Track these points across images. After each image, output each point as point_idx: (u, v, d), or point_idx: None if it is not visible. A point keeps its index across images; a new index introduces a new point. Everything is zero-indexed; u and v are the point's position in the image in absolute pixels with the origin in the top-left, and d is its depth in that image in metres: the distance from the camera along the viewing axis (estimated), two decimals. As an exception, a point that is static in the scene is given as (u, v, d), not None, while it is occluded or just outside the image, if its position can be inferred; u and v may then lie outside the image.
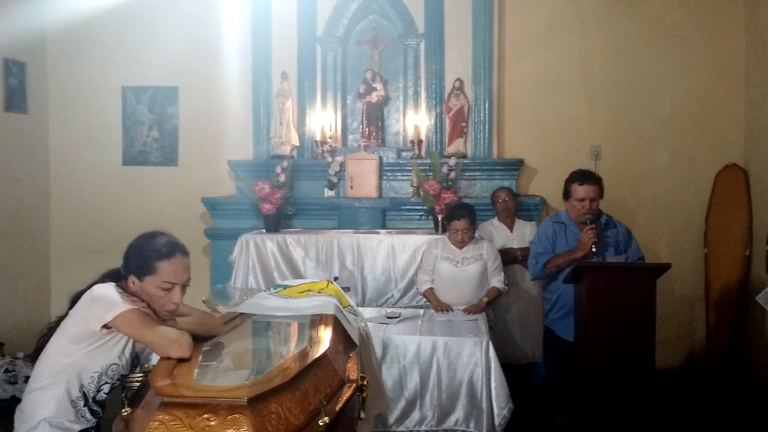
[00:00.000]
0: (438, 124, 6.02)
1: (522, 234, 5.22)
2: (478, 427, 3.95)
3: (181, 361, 2.17)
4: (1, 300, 5.77)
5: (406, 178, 5.94)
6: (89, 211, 6.43)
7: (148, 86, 6.41)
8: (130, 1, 6.17)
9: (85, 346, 2.25)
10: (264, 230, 5.63)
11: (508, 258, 5.06)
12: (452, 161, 5.64)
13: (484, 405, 3.95)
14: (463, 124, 5.90)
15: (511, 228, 5.29)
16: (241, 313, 2.93)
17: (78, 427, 2.28)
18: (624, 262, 4.06)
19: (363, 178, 5.80)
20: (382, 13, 6.19)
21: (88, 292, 2.30)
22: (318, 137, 6.02)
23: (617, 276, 3.82)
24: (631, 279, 3.81)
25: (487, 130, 5.93)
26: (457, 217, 4.75)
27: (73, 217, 6.45)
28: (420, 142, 5.94)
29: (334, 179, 5.91)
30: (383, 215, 5.84)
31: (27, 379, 3.83)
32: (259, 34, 6.14)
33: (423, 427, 4.03)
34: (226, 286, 5.36)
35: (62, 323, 2.32)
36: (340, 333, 2.83)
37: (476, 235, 4.93)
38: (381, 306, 5.15)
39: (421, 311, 4.74)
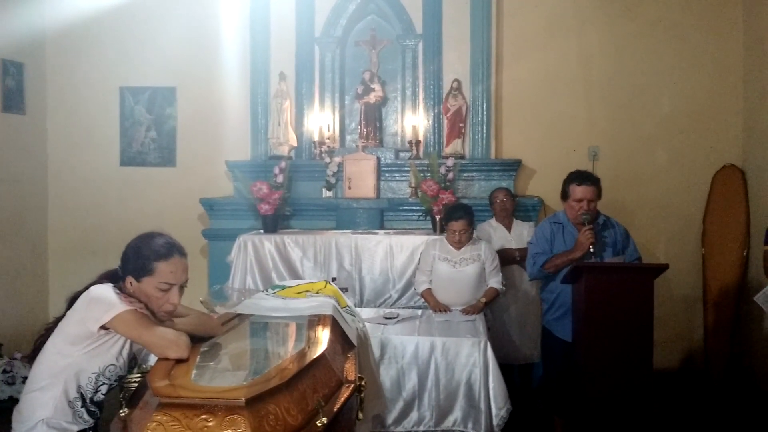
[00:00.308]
0: (436, 125, 6.03)
1: (520, 234, 5.22)
2: (477, 428, 3.95)
3: (178, 361, 2.17)
4: (-1, 301, 5.77)
5: (404, 178, 5.94)
6: (87, 212, 6.43)
7: (146, 87, 6.41)
8: (129, 2, 6.18)
9: (83, 347, 2.24)
10: (262, 231, 5.63)
11: (506, 258, 5.06)
12: (450, 162, 5.64)
13: (482, 405, 3.95)
14: (461, 124, 5.91)
15: (509, 228, 5.29)
16: (239, 314, 2.93)
17: (76, 428, 2.27)
18: (622, 262, 4.07)
19: (361, 179, 5.80)
20: (380, 14, 6.20)
21: (85, 293, 2.30)
22: (316, 138, 6.03)
23: (615, 276, 3.82)
24: (629, 279, 3.81)
25: (485, 131, 5.94)
26: (454, 218, 4.75)
27: (71, 218, 6.45)
28: (418, 142, 5.95)
29: (332, 180, 5.91)
30: (381, 216, 5.84)
31: (25, 379, 3.83)
32: (258, 34, 6.14)
33: (421, 428, 4.02)
34: (223, 287, 5.37)
35: (60, 324, 2.32)
36: (338, 333, 2.83)
37: (474, 235, 4.93)
38: (379, 306, 5.15)
39: (419, 312, 4.74)
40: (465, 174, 5.85)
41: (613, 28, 5.98)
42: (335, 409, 2.27)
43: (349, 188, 5.81)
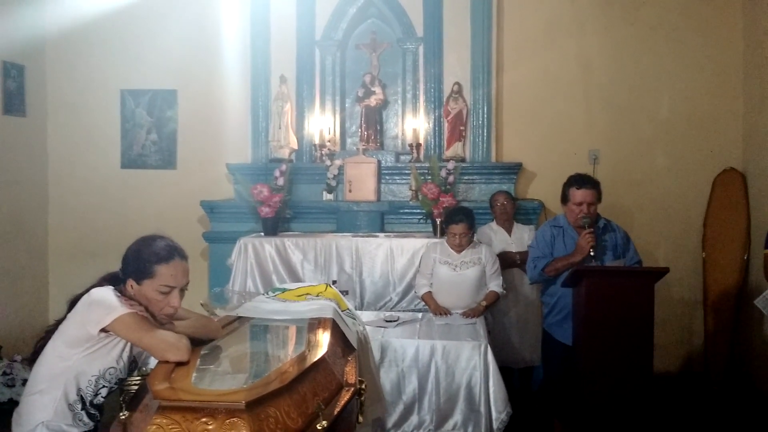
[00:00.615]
0: (436, 128, 6.03)
1: (520, 238, 5.22)
2: (477, 431, 3.95)
3: (179, 364, 2.17)
4: (-2, 303, 5.77)
5: (404, 181, 5.94)
6: (87, 214, 6.43)
7: (147, 89, 6.41)
8: (129, 5, 6.19)
9: (83, 349, 2.24)
10: (262, 233, 5.63)
11: (507, 262, 5.06)
12: (451, 165, 5.65)
13: (483, 409, 3.95)
14: (462, 127, 5.91)
15: (509, 232, 5.29)
16: (240, 317, 2.93)
17: (76, 431, 2.27)
18: (622, 266, 4.07)
19: (361, 182, 5.80)
20: (380, 17, 6.21)
21: (86, 296, 2.30)
22: (317, 141, 6.03)
23: (615, 280, 3.82)
24: (630, 283, 3.81)
25: (485, 134, 5.94)
26: (455, 221, 4.75)
27: (71, 220, 6.45)
28: (419, 145, 5.95)
29: (333, 183, 5.91)
30: (382, 219, 5.84)
31: (24, 382, 3.83)
32: (258, 37, 6.15)
33: (421, 431, 4.02)
34: (224, 290, 5.37)
35: (60, 327, 2.32)
36: (339, 337, 2.83)
37: (475, 239, 4.93)
38: (379, 309, 5.15)
39: (420, 315, 4.75)
40: (465, 177, 5.85)
41: (612, 31, 5.98)
42: (335, 413, 2.27)
43: (350, 191, 5.81)
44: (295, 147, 6.10)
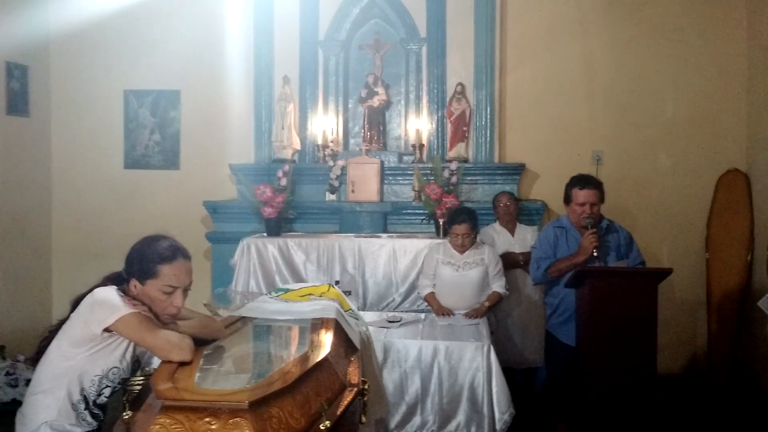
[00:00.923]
0: (439, 129, 6.03)
1: (523, 238, 5.22)
2: (479, 432, 3.95)
3: (182, 364, 2.17)
4: (2, 303, 5.77)
5: (407, 182, 5.94)
6: (91, 215, 6.44)
7: (151, 90, 6.42)
8: (133, 5, 6.20)
9: (86, 349, 2.25)
10: (265, 234, 5.63)
11: (510, 262, 5.05)
12: (454, 165, 5.65)
13: (485, 410, 3.94)
14: (465, 128, 5.91)
15: (512, 232, 5.28)
16: (243, 317, 2.93)
17: (79, 431, 2.28)
18: (625, 266, 4.06)
19: (364, 182, 5.80)
20: (384, 18, 6.21)
21: (89, 296, 2.30)
22: (320, 141, 6.03)
23: (619, 281, 3.82)
24: (633, 284, 3.81)
25: (488, 135, 5.94)
26: (458, 222, 4.75)
27: (74, 221, 6.46)
28: (421, 146, 5.95)
29: (336, 183, 5.91)
30: (384, 219, 5.84)
31: (28, 382, 3.83)
32: (262, 38, 6.15)
33: (424, 432, 4.03)
34: (227, 290, 5.35)
35: (64, 326, 2.32)
36: (341, 337, 2.83)
37: (477, 239, 4.92)
38: (382, 310, 5.15)
39: (423, 315, 4.74)
40: (468, 178, 5.85)
41: (615, 32, 5.98)
42: (338, 413, 2.27)
43: (353, 192, 5.81)
44: (298, 147, 6.10)
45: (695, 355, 5.97)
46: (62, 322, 2.35)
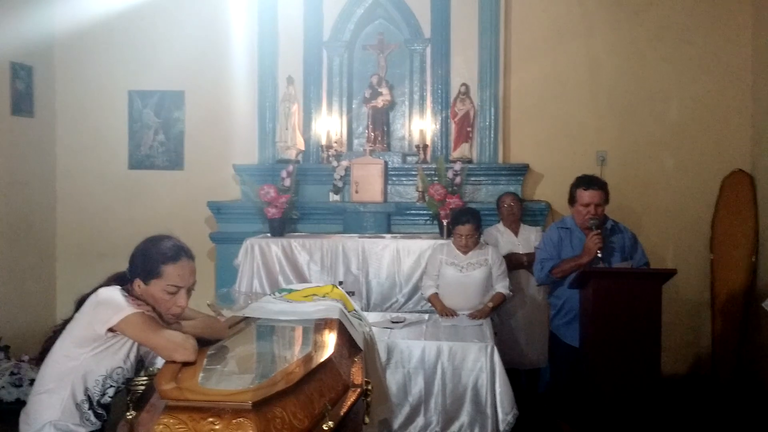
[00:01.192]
0: (443, 129, 6.02)
1: (527, 239, 5.21)
2: (483, 433, 3.94)
3: (186, 364, 2.17)
4: (6, 303, 5.79)
5: (411, 182, 5.94)
6: (95, 215, 6.45)
7: (155, 90, 6.43)
8: (138, 6, 6.20)
9: (90, 349, 2.25)
10: (269, 234, 5.64)
11: (514, 263, 5.05)
12: (457, 166, 5.64)
13: (489, 410, 3.94)
14: (469, 128, 5.90)
15: (516, 233, 5.28)
16: (246, 317, 2.94)
17: (83, 430, 2.28)
18: (630, 267, 4.05)
19: (368, 183, 5.80)
20: (388, 18, 6.20)
21: (93, 296, 2.30)
22: (323, 142, 6.03)
23: (623, 281, 3.82)
24: (637, 285, 3.80)
25: (492, 135, 5.93)
26: (461, 222, 4.75)
27: (79, 221, 6.47)
28: (425, 146, 5.94)
29: (340, 184, 5.90)
30: (388, 220, 5.84)
31: (32, 382, 3.84)
32: (266, 38, 6.15)
33: (427, 432, 4.02)
34: (230, 290, 5.39)
35: (68, 326, 2.32)
36: (345, 337, 2.83)
37: (481, 240, 4.92)
38: (386, 311, 5.15)
39: (426, 316, 4.74)
40: (472, 178, 5.84)
41: (620, 32, 5.97)
42: (342, 413, 2.27)
43: (357, 192, 5.81)
44: (302, 148, 6.11)
45: (700, 356, 5.96)
46: (66, 321, 2.36)
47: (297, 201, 5.80)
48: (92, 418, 2.30)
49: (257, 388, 1.97)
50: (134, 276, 2.36)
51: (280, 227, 5.65)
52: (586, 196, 4.05)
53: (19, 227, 6.01)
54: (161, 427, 1.83)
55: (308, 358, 2.32)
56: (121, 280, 2.41)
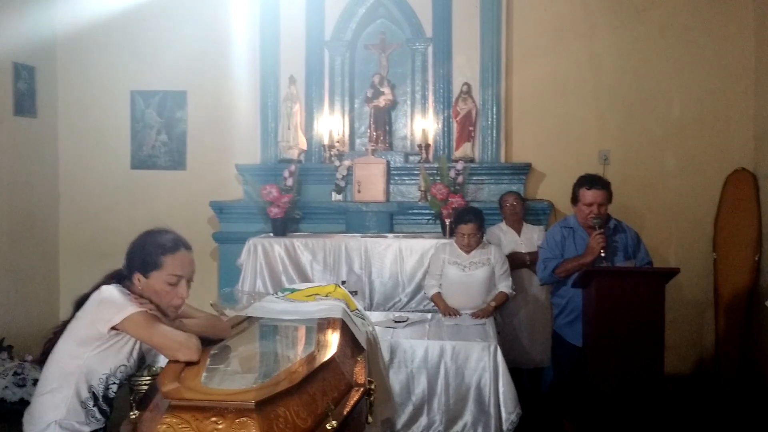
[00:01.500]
0: (446, 128, 6.02)
1: (530, 238, 5.21)
2: (486, 432, 3.94)
3: (189, 364, 2.17)
4: (9, 303, 5.80)
5: (413, 182, 5.93)
6: (98, 215, 6.45)
7: (157, 90, 6.43)
8: (140, 6, 6.21)
9: (93, 348, 2.25)
10: (272, 234, 5.64)
11: (516, 262, 5.04)
12: (460, 165, 5.64)
13: (492, 410, 3.94)
14: (471, 128, 5.90)
15: (519, 232, 5.28)
16: (249, 317, 2.94)
17: (88, 429, 2.28)
18: (633, 266, 4.05)
19: (370, 182, 5.80)
20: (390, 18, 6.20)
21: (95, 294, 2.30)
22: (326, 141, 6.03)
23: (626, 281, 3.81)
24: (640, 284, 3.80)
25: (494, 135, 5.93)
26: (464, 221, 4.74)
27: (82, 221, 6.47)
28: (428, 146, 5.94)
29: (342, 183, 5.90)
30: (391, 219, 5.84)
31: (35, 382, 3.84)
32: (268, 38, 6.15)
33: (431, 432, 4.02)
34: (233, 290, 5.37)
35: (69, 326, 2.32)
36: (348, 337, 2.83)
37: (484, 239, 4.92)
38: (388, 310, 5.15)
39: (429, 316, 4.74)
40: (475, 177, 5.84)
41: (623, 31, 5.96)
42: (345, 413, 2.27)
43: (359, 192, 5.80)
44: (304, 148, 6.10)
45: (703, 355, 5.95)
46: (67, 322, 2.36)
47: (299, 201, 5.80)
48: (97, 415, 2.30)
49: (260, 387, 1.98)
50: (133, 271, 2.36)
51: (283, 227, 5.65)
52: (589, 195, 4.04)
53: (22, 227, 6.02)
54: (164, 426, 1.83)
55: (311, 358, 2.32)
56: (118, 278, 2.41)
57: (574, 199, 4.14)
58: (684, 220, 5.92)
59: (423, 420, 4.02)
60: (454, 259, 4.79)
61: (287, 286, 4.24)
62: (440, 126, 6.02)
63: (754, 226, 5.57)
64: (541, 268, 4.22)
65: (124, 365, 2.32)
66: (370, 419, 2.60)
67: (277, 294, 3.31)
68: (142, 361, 2.41)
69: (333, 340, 2.58)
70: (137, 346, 2.34)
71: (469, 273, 4.72)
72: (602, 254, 3.90)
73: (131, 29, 6.35)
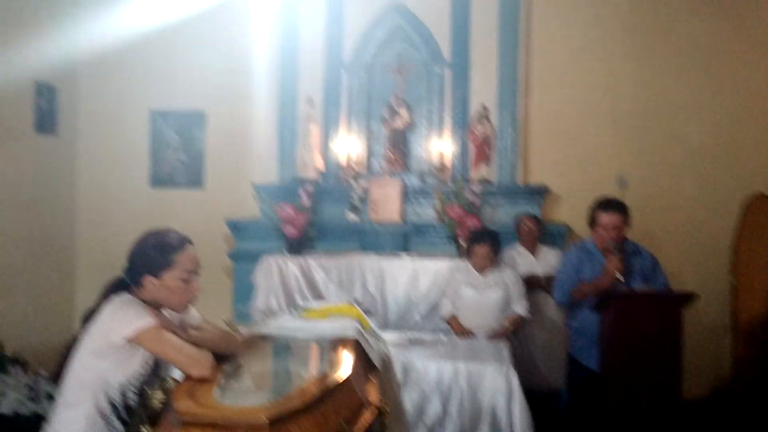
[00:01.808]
0: (462, 150, 6.02)
1: (546, 261, 5.18)
2: (500, 456, 3.89)
3: (202, 380, 2.17)
4: (25, 319, 5.83)
5: (429, 203, 5.93)
6: (116, 232, 6.47)
7: (177, 110, 6.50)
8: (160, 28, 6.28)
9: (108, 359, 2.25)
10: (287, 252, 5.65)
11: (532, 284, 5.01)
12: (476, 187, 5.63)
13: (506, 433, 3.89)
14: (488, 150, 5.90)
15: (535, 255, 5.25)
16: (263, 334, 2.93)
17: None
18: (650, 290, 4.01)
19: (386, 203, 5.81)
20: (408, 41, 6.23)
21: (109, 305, 2.30)
22: (342, 161, 6.05)
23: (643, 304, 3.78)
24: (657, 308, 3.77)
25: (511, 157, 5.93)
26: (479, 242, 4.73)
27: (99, 238, 6.52)
28: (444, 167, 5.94)
29: (358, 203, 5.91)
30: (406, 240, 5.83)
31: (49, 396, 3.85)
32: (286, 60, 6.21)
33: (444, 455, 3.97)
34: (247, 307, 5.39)
35: (84, 339, 2.33)
36: (361, 356, 2.82)
37: (500, 261, 4.89)
38: (402, 330, 5.12)
39: (443, 336, 4.71)
40: (491, 199, 5.83)
41: (641, 56, 5.96)
42: (357, 432, 2.26)
43: (375, 212, 5.81)
44: (321, 167, 6.13)
45: (721, 380, 5.86)
46: (80, 336, 2.35)
47: (315, 220, 5.82)
48: (117, 425, 2.29)
49: (273, 405, 1.97)
50: (141, 275, 2.36)
51: (298, 245, 5.66)
52: (606, 218, 4.02)
53: (40, 243, 6.07)
54: (177, 442, 1.82)
55: (324, 376, 2.31)
56: (119, 286, 2.41)
57: (592, 222, 4.12)
58: (702, 244, 5.87)
59: (436, 442, 3.98)
60: (469, 280, 4.76)
61: (301, 304, 4.24)
62: (457, 147, 6.03)
63: (774, 251, 5.51)
64: (558, 290, 4.19)
65: (140, 372, 2.31)
66: (382, 439, 2.58)
67: (291, 312, 3.31)
68: (158, 367, 2.40)
69: (346, 358, 2.57)
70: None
71: (485, 294, 4.70)
72: (619, 277, 3.87)
73: (151, 50, 6.42)
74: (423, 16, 6.10)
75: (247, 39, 6.31)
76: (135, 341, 2.22)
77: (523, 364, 4.71)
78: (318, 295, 5.30)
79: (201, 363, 2.21)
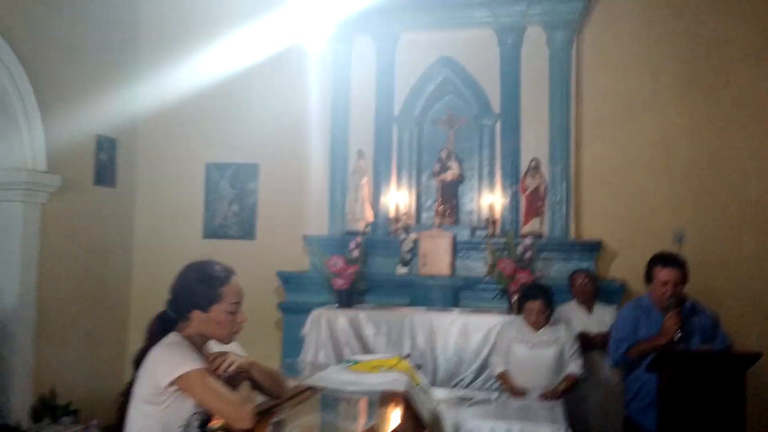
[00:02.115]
0: (513, 203, 5.97)
1: (601, 318, 5.05)
2: None
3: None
4: (78, 367, 5.91)
5: (479, 257, 5.87)
6: (168, 283, 6.55)
7: (231, 163, 6.64)
8: (216, 84, 6.48)
9: (162, 404, 2.23)
10: (336, 305, 5.63)
11: (586, 343, 4.87)
12: (528, 241, 5.56)
13: (561, 497, 3.74)
14: (540, 203, 5.84)
15: (590, 311, 5.12)
16: (311, 387, 2.90)
17: None
18: (710, 350, 3.85)
19: (436, 256, 5.77)
20: (457, 94, 6.28)
21: (156, 349, 2.29)
22: (392, 214, 6.06)
23: (703, 365, 3.63)
24: (719, 369, 3.60)
25: (564, 210, 5.85)
26: (532, 298, 4.64)
27: (153, 288, 6.51)
28: (494, 220, 5.89)
29: (408, 256, 5.89)
30: (456, 294, 5.76)
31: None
32: (338, 114, 6.32)
33: None
34: (296, 360, 5.36)
35: (135, 386, 2.32)
36: (411, 412, 2.75)
37: (553, 317, 4.77)
38: (453, 387, 5.02)
39: (495, 395, 4.59)
40: (543, 254, 5.74)
41: (696, 108, 5.87)
42: (406, 491, 2.19)
43: (425, 265, 5.78)
44: (371, 220, 6.14)
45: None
46: (130, 384, 2.35)
47: (365, 272, 5.80)
48: None
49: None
50: (188, 310, 2.36)
51: (348, 298, 5.64)
52: (663, 274, 3.90)
53: (95, 293, 6.19)
54: (222, 496, 1.79)
55: (373, 432, 2.26)
56: (164, 321, 2.39)
57: (648, 278, 4.00)
58: (765, 302, 5.64)
59: (487, 505, 3.84)
60: (521, 336, 4.66)
61: (351, 357, 4.19)
62: (508, 201, 5.97)
63: (843, 311, 5.27)
64: (613, 349, 4.05)
65: (197, 412, 2.28)
66: (431, 499, 2.50)
67: (340, 364, 3.27)
68: None
69: (395, 414, 2.51)
70: None
71: (538, 352, 4.58)
72: (677, 336, 3.73)
73: (208, 105, 6.62)
74: (472, 69, 6.15)
75: (300, 93, 6.45)
76: (178, 384, 2.20)
77: (578, 426, 4.56)
78: (367, 349, 5.25)
79: (241, 414, 2.19)
